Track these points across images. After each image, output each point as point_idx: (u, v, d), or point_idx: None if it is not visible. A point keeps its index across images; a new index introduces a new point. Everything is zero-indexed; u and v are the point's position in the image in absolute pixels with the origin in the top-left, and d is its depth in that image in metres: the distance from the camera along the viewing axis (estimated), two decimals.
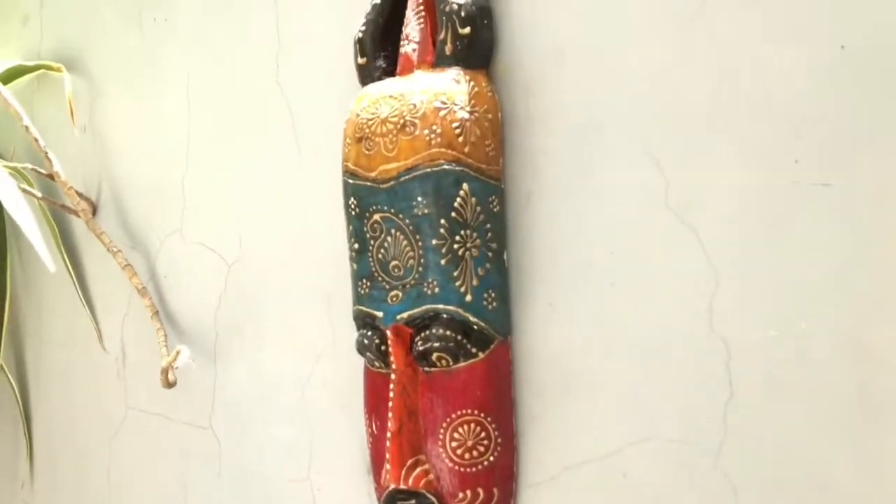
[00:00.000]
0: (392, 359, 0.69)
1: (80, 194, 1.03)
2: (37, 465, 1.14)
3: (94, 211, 1.05)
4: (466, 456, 0.67)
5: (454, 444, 0.67)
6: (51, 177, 1.01)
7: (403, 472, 0.68)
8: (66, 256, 1.07)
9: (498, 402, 0.69)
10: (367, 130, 0.69)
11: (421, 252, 0.67)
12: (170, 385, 0.88)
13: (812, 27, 0.57)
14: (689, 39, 0.61)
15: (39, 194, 1.04)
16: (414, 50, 0.72)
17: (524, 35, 0.70)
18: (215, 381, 0.93)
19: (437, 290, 0.67)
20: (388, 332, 0.69)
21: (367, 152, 0.69)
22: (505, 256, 0.70)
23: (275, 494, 0.87)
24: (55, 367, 1.13)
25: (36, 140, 1.00)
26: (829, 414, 0.56)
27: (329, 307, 0.82)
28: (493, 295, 0.68)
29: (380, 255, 0.70)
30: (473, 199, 0.67)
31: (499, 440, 0.68)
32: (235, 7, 0.90)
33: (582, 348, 0.67)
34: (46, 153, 1.00)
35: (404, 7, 0.73)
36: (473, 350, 0.68)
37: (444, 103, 0.67)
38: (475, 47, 0.69)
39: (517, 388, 0.70)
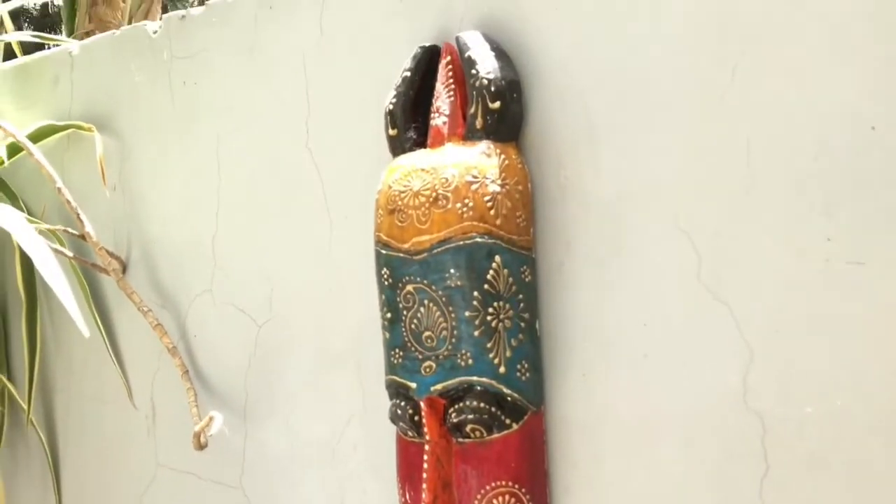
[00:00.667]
0: (426, 430, 0.69)
1: (110, 253, 1.04)
2: None
3: (125, 269, 1.07)
4: None
5: None
6: (82, 237, 1.03)
7: None
8: (96, 314, 1.08)
9: (532, 473, 0.69)
10: (400, 203, 0.70)
11: (454, 323, 0.68)
12: (201, 447, 0.89)
13: (843, 107, 0.58)
14: (721, 113, 0.62)
15: (71, 254, 1.06)
16: (444, 123, 0.73)
17: (554, 108, 0.71)
18: (245, 441, 0.93)
19: (470, 361, 0.68)
20: (422, 404, 0.69)
21: (399, 224, 0.70)
22: (537, 326, 0.70)
23: None
24: (85, 423, 1.14)
25: (68, 202, 1.02)
26: (866, 491, 0.56)
27: (359, 371, 0.83)
28: (526, 366, 0.69)
29: (413, 326, 0.70)
30: (506, 271, 0.68)
31: None
32: (265, 72, 0.92)
33: (616, 419, 0.68)
34: (78, 214, 1.02)
35: (434, 79, 0.75)
36: (507, 421, 0.68)
37: (476, 177, 0.68)
38: (505, 121, 0.70)
39: (551, 459, 0.70)
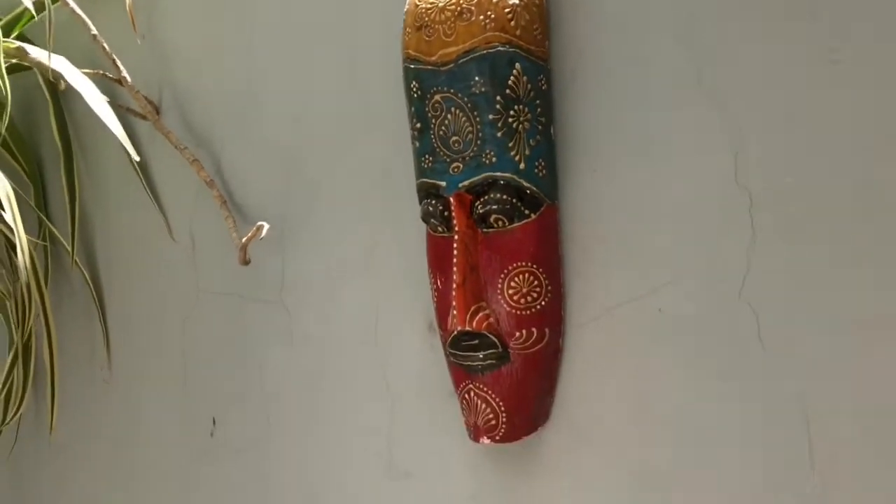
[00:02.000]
0: (455, 222, 0.79)
1: (146, 98, 1.11)
2: (114, 351, 1.26)
3: (158, 113, 1.14)
4: (522, 301, 0.78)
5: (511, 291, 0.78)
6: (119, 82, 1.10)
7: (468, 317, 0.79)
8: (131, 157, 1.16)
9: (548, 257, 0.79)
10: (427, 19, 0.78)
11: (479, 127, 0.77)
12: (246, 262, 0.99)
13: None
14: None
15: (107, 99, 1.13)
16: None
17: None
18: (283, 262, 1.03)
19: (494, 159, 0.77)
20: (451, 199, 0.79)
21: (427, 39, 0.78)
22: (552, 130, 0.79)
23: (345, 357, 0.98)
24: (126, 260, 1.24)
25: (104, 48, 1.08)
26: (842, 254, 0.67)
27: (389, 180, 0.91)
28: (542, 163, 0.78)
29: (441, 132, 0.79)
30: (525, 78, 0.76)
31: (549, 288, 0.79)
32: None
33: (620, 208, 0.78)
34: (114, 59, 1.08)
35: None
36: (526, 212, 0.78)
37: None
38: None
39: (564, 246, 0.81)
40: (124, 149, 1.15)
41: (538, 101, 0.78)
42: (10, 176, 1.27)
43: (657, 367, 0.76)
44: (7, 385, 1.26)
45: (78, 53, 1.21)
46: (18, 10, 1.20)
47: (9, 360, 1.27)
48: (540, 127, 0.78)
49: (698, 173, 0.73)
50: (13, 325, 1.26)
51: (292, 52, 1.01)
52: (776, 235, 0.69)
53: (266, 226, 0.96)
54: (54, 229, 1.25)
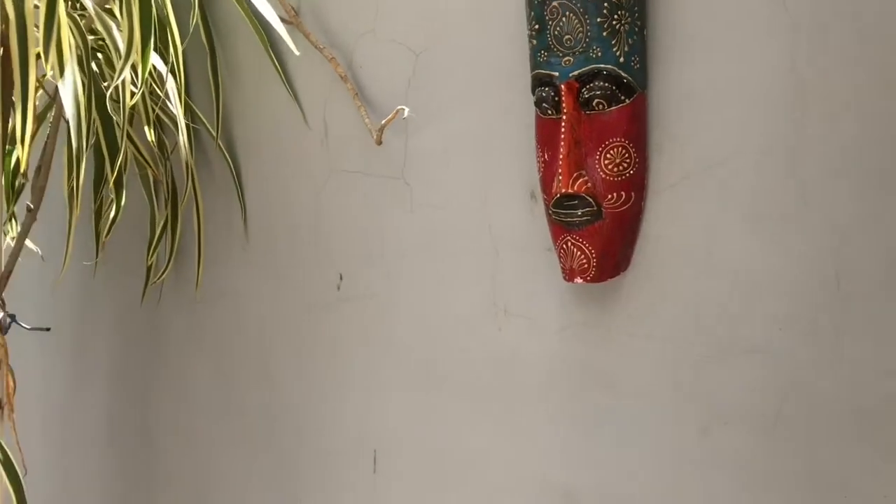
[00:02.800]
0: (564, 106, 1.00)
1: (287, 3, 1.32)
2: (250, 223, 1.49)
3: (297, 14, 1.35)
4: (615, 170, 1.00)
5: (606, 161, 1.00)
6: None
7: (571, 181, 1.00)
8: (272, 55, 1.37)
9: (637, 135, 1.00)
10: None
11: (588, 27, 0.97)
12: (380, 143, 1.21)
13: None
14: None
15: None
16: None
17: None
18: (406, 144, 1.25)
19: (599, 54, 0.97)
20: (563, 87, 0.99)
21: None
22: (646, 31, 0.99)
23: (457, 221, 1.20)
24: (263, 144, 1.46)
25: None
26: (874, 131, 0.87)
27: (508, 81, 1.12)
28: (637, 59, 0.98)
29: (555, 32, 0.99)
30: None
31: (636, 159, 1.00)
32: None
33: (695, 97, 0.97)
34: None
35: None
36: (622, 98, 0.98)
37: None
38: None
39: (650, 127, 1.01)
40: (266, 46, 1.37)
41: (636, 7, 0.97)
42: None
43: (717, 223, 0.97)
44: (156, 248, 1.51)
45: None
46: None
47: (158, 229, 1.51)
48: (637, 28, 0.98)
49: (759, 60, 0.92)
50: (164, 199, 1.51)
51: None
52: (825, 118, 0.89)
53: (406, 109, 1.17)
54: (200, 114, 1.48)
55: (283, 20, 1.33)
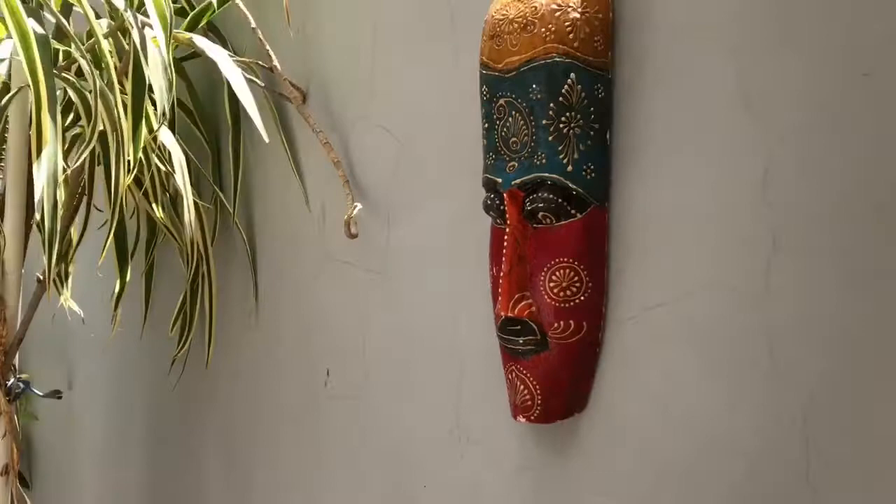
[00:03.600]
0: (508, 216, 0.87)
1: (293, 84, 1.27)
2: (261, 301, 1.45)
3: (305, 99, 1.30)
4: (561, 294, 0.85)
5: (552, 284, 0.85)
6: (271, 69, 1.26)
7: (511, 304, 0.86)
8: (283, 135, 1.33)
9: (590, 254, 0.85)
10: (498, 29, 0.86)
11: (534, 130, 0.84)
12: (352, 236, 1.12)
13: None
14: None
15: (262, 83, 1.30)
16: None
17: None
18: (388, 238, 1.15)
19: (544, 161, 0.83)
20: (506, 195, 0.86)
21: (497, 48, 0.86)
22: (608, 135, 0.84)
23: (428, 332, 1.09)
24: (275, 223, 1.42)
25: (260, 40, 1.25)
26: (846, 266, 0.67)
27: (474, 178, 1.00)
28: (591, 167, 0.83)
29: (503, 133, 0.87)
30: (579, 87, 0.82)
31: (589, 284, 0.85)
32: None
33: (661, 214, 0.81)
34: (268, 50, 1.25)
35: None
36: (572, 211, 0.84)
37: (560, 5, 0.82)
38: None
39: (611, 245, 0.86)
40: (277, 128, 1.33)
41: (592, 109, 0.83)
42: (194, 144, 1.50)
43: (682, 370, 0.80)
44: (176, 321, 1.50)
45: (249, 45, 1.39)
46: (204, 4, 1.40)
47: (178, 303, 1.50)
48: (592, 132, 0.83)
49: (731, 185, 0.75)
50: (184, 273, 1.49)
51: (406, 52, 1.12)
52: (794, 251, 0.71)
53: (359, 206, 1.08)
54: (220, 193, 1.46)
55: (286, 99, 1.28)
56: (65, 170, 1.19)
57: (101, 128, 1.18)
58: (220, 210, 1.49)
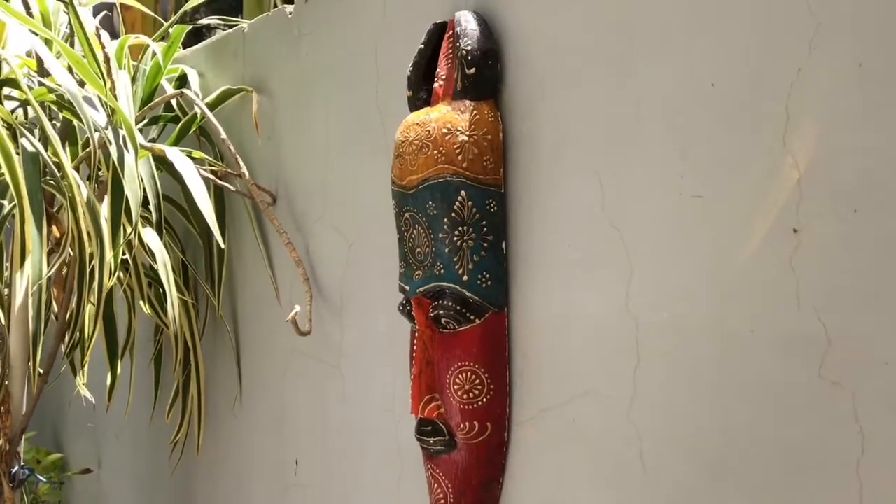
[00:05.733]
0: (416, 321, 0.92)
1: (262, 188, 1.36)
2: (244, 388, 1.52)
3: (275, 201, 1.38)
4: (465, 397, 0.89)
5: (456, 387, 0.89)
6: (239, 175, 1.36)
7: (422, 405, 0.91)
8: (258, 236, 1.42)
9: (491, 358, 0.89)
10: (402, 149, 0.92)
11: (433, 242, 0.90)
12: (302, 334, 1.19)
13: (689, 66, 0.70)
14: (623, 82, 0.77)
15: (233, 188, 1.39)
16: (441, 85, 0.93)
17: (522, 72, 0.88)
18: (341, 332, 1.22)
19: (443, 271, 0.89)
20: (413, 302, 0.92)
21: (401, 166, 0.93)
22: (503, 245, 0.90)
23: (371, 420, 1.14)
24: (255, 317, 1.49)
25: (229, 148, 1.35)
26: (697, 377, 0.71)
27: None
28: (487, 276, 0.88)
29: (409, 244, 0.93)
30: (470, 203, 0.88)
31: (491, 386, 0.89)
32: (352, 45, 1.16)
33: (552, 323, 0.86)
34: (237, 157, 1.35)
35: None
36: (471, 317, 0.89)
37: (449, 129, 0.88)
38: (480, 84, 0.89)
39: (511, 349, 0.90)
40: (254, 229, 1.42)
41: (484, 223, 0.88)
42: (191, 241, 1.60)
43: (573, 473, 0.83)
44: (171, 410, 1.58)
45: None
46: (191, 115, 1.51)
47: (171, 396, 1.58)
48: (485, 244, 0.88)
49: (602, 295, 0.80)
50: (173, 365, 1.58)
51: (351, 159, 1.19)
52: (653, 359, 0.74)
53: (297, 308, 1.14)
54: (207, 289, 1.55)
55: (255, 201, 1.37)
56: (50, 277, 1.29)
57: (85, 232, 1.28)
58: (209, 304, 1.58)
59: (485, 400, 0.89)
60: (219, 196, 1.53)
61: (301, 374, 1.33)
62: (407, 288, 0.93)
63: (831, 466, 0.60)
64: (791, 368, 0.63)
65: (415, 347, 0.92)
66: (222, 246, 1.24)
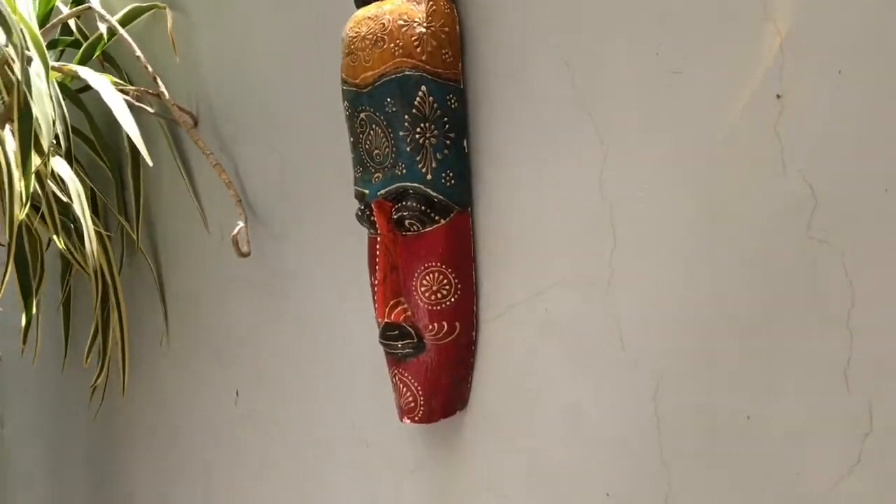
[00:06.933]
0: (378, 226, 0.89)
1: (182, 108, 1.28)
2: (171, 326, 1.45)
3: (196, 123, 1.31)
4: (432, 298, 0.88)
5: (423, 288, 0.88)
6: (158, 96, 1.28)
7: (387, 310, 0.89)
8: (179, 160, 1.34)
9: (457, 258, 0.88)
10: (353, 46, 0.88)
11: (393, 142, 0.87)
12: (243, 255, 1.14)
13: None
14: None
15: (152, 110, 1.31)
16: None
17: None
18: (280, 253, 1.17)
19: (405, 171, 0.86)
20: (374, 206, 0.89)
21: (352, 64, 0.89)
22: (465, 143, 0.88)
23: (321, 338, 1.11)
24: (178, 248, 1.43)
25: (146, 66, 1.26)
26: (680, 251, 0.72)
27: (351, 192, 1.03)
28: (451, 174, 0.87)
29: (366, 146, 0.90)
30: (431, 98, 0.85)
31: (458, 286, 0.88)
32: None
33: (517, 215, 0.85)
34: (155, 77, 1.26)
35: None
36: (436, 217, 0.87)
37: (406, 21, 0.85)
38: None
39: (476, 248, 0.89)
40: (174, 154, 1.34)
41: (446, 119, 0.86)
42: (99, 174, 1.50)
43: (547, 364, 0.83)
44: (90, 351, 1.49)
45: (138, 71, 1.40)
46: (95, 36, 1.40)
47: (89, 338, 1.50)
48: (448, 141, 0.86)
49: (573, 183, 0.79)
50: (93, 303, 1.49)
51: (279, 70, 1.14)
52: (632, 242, 0.75)
53: (240, 224, 1.10)
54: (123, 221, 1.46)
55: (177, 123, 1.30)
56: None
57: None
58: (125, 238, 1.49)
59: (453, 300, 0.88)
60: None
61: (237, 302, 1.28)
62: (366, 192, 0.90)
63: (823, 323, 0.62)
64: (779, 231, 0.64)
65: (377, 254, 0.90)
66: (150, 163, 1.17)
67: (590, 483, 0.80)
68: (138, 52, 1.27)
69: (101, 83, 1.21)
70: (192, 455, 1.41)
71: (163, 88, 1.27)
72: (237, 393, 1.30)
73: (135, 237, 1.43)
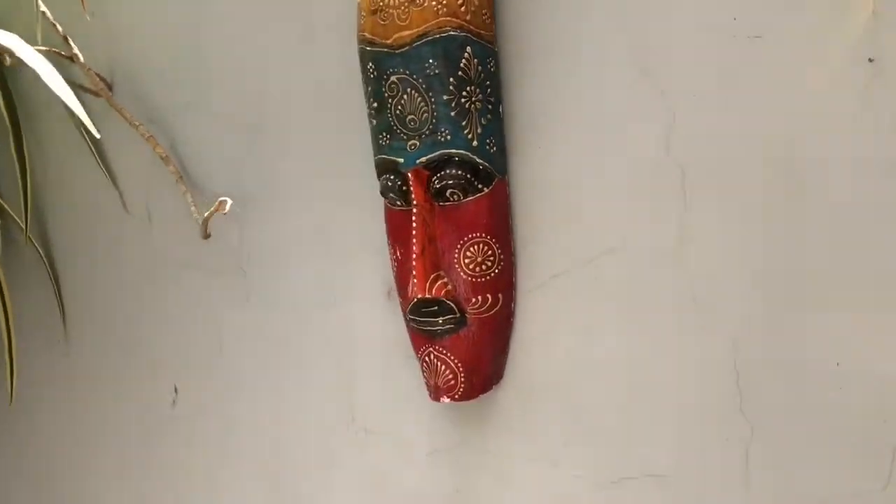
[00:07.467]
0: (413, 196, 0.84)
1: (98, 75, 1.12)
2: (70, 323, 1.28)
3: (111, 90, 1.15)
4: (477, 270, 0.84)
5: (467, 260, 0.84)
6: (70, 59, 1.11)
7: (427, 284, 0.84)
8: (85, 134, 1.17)
9: (500, 227, 0.85)
10: (381, 3, 0.82)
11: (434, 106, 0.82)
12: (207, 236, 1.02)
13: None
14: None
15: (61, 77, 1.13)
16: None
17: None
18: (241, 233, 1.07)
19: (449, 137, 0.82)
20: (410, 175, 0.84)
21: (382, 22, 0.82)
22: (501, 109, 0.85)
23: (304, 324, 1.03)
24: (81, 235, 1.25)
25: (55, 25, 1.09)
26: (760, 212, 0.74)
27: (343, 156, 0.96)
28: (493, 140, 0.83)
29: (398, 111, 0.84)
30: (475, 60, 0.81)
31: (501, 257, 0.85)
32: None
33: (561, 181, 0.84)
34: (66, 37, 1.09)
35: None
36: (479, 186, 0.83)
37: None
38: None
39: (513, 217, 0.87)
40: (78, 125, 1.17)
41: (488, 83, 0.82)
42: None
43: (599, 328, 0.83)
44: None
45: (29, 32, 1.20)
46: None
47: None
48: (490, 106, 0.83)
49: (632, 146, 0.79)
50: None
51: (243, 26, 1.03)
52: (705, 203, 0.76)
53: (229, 201, 0.99)
54: (5, 205, 1.26)
55: (91, 92, 1.13)
56: None
57: None
58: (6, 225, 1.28)
59: (497, 271, 0.85)
60: (4, 87, 1.24)
61: (173, 289, 1.15)
62: (400, 160, 0.84)
63: None
64: (878, 193, 0.69)
65: (414, 226, 0.84)
66: (97, 135, 1.01)
67: (653, 446, 0.81)
68: (43, 7, 1.09)
69: (13, 40, 1.03)
70: (110, 462, 1.25)
71: (76, 49, 1.10)
72: (175, 389, 1.17)
73: (22, 224, 1.24)
